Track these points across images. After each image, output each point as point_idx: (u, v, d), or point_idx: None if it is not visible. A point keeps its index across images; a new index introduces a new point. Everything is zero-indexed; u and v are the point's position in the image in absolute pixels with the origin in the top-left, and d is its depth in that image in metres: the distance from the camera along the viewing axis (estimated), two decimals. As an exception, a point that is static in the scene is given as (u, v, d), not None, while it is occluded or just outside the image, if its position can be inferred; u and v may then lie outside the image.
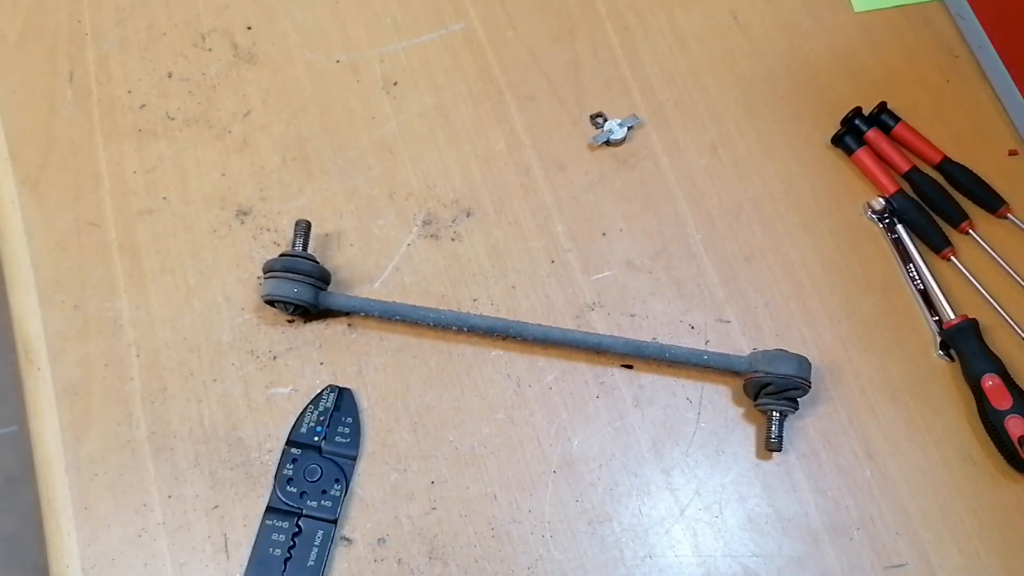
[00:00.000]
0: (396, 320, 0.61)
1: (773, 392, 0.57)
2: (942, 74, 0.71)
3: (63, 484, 0.58)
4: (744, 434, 0.60)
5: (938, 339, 0.63)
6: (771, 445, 0.58)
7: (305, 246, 0.61)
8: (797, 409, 0.58)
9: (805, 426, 0.61)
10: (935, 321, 0.63)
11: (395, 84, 0.70)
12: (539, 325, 0.60)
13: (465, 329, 0.60)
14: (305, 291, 0.58)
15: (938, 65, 0.71)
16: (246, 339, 0.62)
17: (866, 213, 0.67)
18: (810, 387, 0.58)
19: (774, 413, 0.58)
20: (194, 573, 0.56)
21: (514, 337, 0.60)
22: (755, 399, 0.59)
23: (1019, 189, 0.67)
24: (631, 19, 0.72)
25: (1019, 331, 0.63)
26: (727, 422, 0.61)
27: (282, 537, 0.56)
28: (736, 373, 0.60)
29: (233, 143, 0.68)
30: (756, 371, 0.57)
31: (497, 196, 0.66)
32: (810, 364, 0.58)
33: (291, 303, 0.59)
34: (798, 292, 0.64)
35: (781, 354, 0.58)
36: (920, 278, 0.64)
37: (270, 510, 0.57)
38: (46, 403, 0.60)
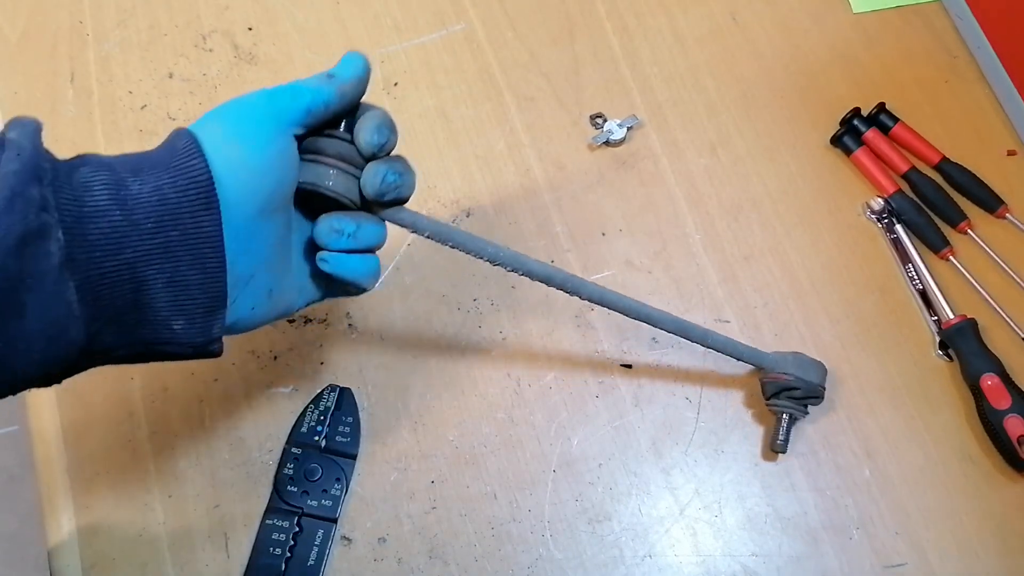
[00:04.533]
0: (449, 246, 0.49)
1: (797, 397, 0.57)
2: (941, 75, 0.71)
3: (64, 483, 0.58)
4: (743, 434, 0.61)
5: (937, 339, 0.63)
6: (778, 447, 0.58)
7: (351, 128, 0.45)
8: (807, 415, 0.59)
9: (804, 426, 0.61)
10: (934, 321, 0.63)
11: (395, 85, 0.70)
12: (595, 284, 0.52)
13: (520, 272, 0.50)
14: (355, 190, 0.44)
15: (937, 66, 0.71)
16: (247, 338, 0.62)
17: (865, 213, 0.67)
18: (824, 396, 0.58)
19: (785, 416, 0.58)
20: (195, 572, 0.57)
21: (569, 293, 0.51)
22: (769, 398, 0.59)
23: (1018, 189, 0.67)
24: (631, 20, 0.72)
25: (1018, 331, 0.63)
26: (726, 422, 0.61)
27: (282, 536, 0.56)
28: (760, 369, 0.59)
29: (234, 143, 0.68)
30: (785, 373, 0.57)
31: (497, 196, 0.67)
32: (827, 372, 0.59)
33: (344, 200, 0.43)
34: (797, 292, 0.64)
35: (810, 360, 0.58)
36: (919, 278, 0.65)
37: (270, 509, 0.57)
38: (47, 402, 0.60)
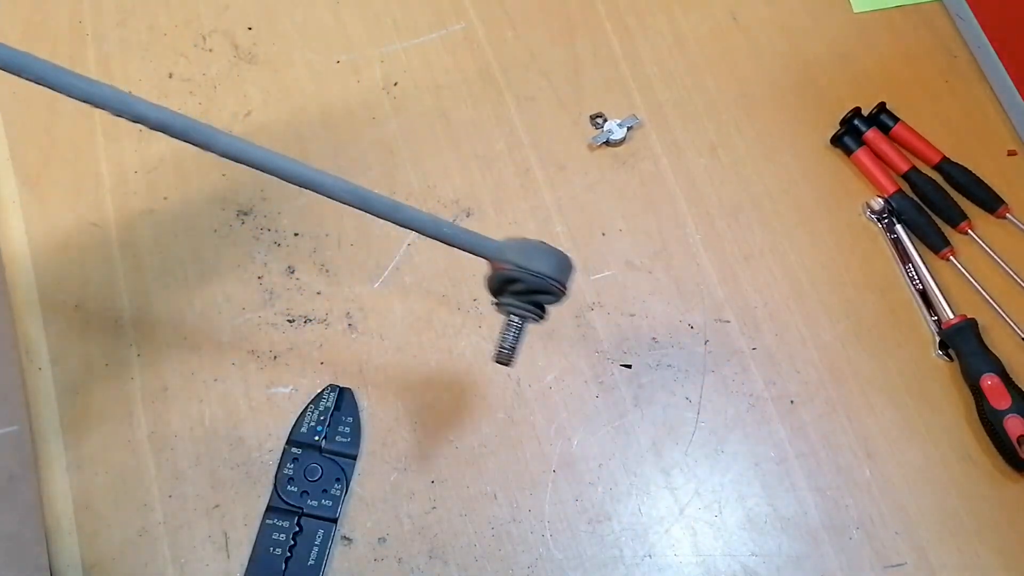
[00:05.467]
0: (28, 79, 0.37)
1: (521, 291, 0.45)
2: (941, 74, 0.71)
3: (64, 483, 0.58)
4: (743, 434, 0.61)
5: (937, 339, 0.63)
6: (500, 356, 0.46)
7: None
8: (543, 318, 0.46)
9: (804, 425, 0.61)
10: (934, 321, 0.63)
11: (395, 84, 0.70)
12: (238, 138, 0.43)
13: (151, 126, 0.41)
14: None
15: (937, 65, 0.71)
16: (247, 339, 0.62)
17: (865, 213, 0.67)
18: (564, 293, 0.46)
19: (513, 318, 0.46)
20: (195, 572, 0.57)
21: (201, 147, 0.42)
22: (496, 295, 0.47)
23: (1018, 189, 0.67)
24: (631, 19, 0.72)
25: (1018, 331, 0.63)
26: (726, 421, 0.61)
27: (282, 536, 0.56)
28: (486, 259, 0.46)
29: (234, 143, 0.68)
30: (506, 261, 0.44)
31: (497, 196, 0.67)
32: (572, 266, 0.46)
33: None
34: (797, 292, 0.64)
35: (540, 247, 0.45)
36: (919, 278, 0.64)
37: (270, 509, 0.57)
38: (47, 402, 0.60)
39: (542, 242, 0.45)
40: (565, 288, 0.45)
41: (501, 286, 0.46)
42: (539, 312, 0.46)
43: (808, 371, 0.62)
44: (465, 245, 0.44)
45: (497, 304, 0.47)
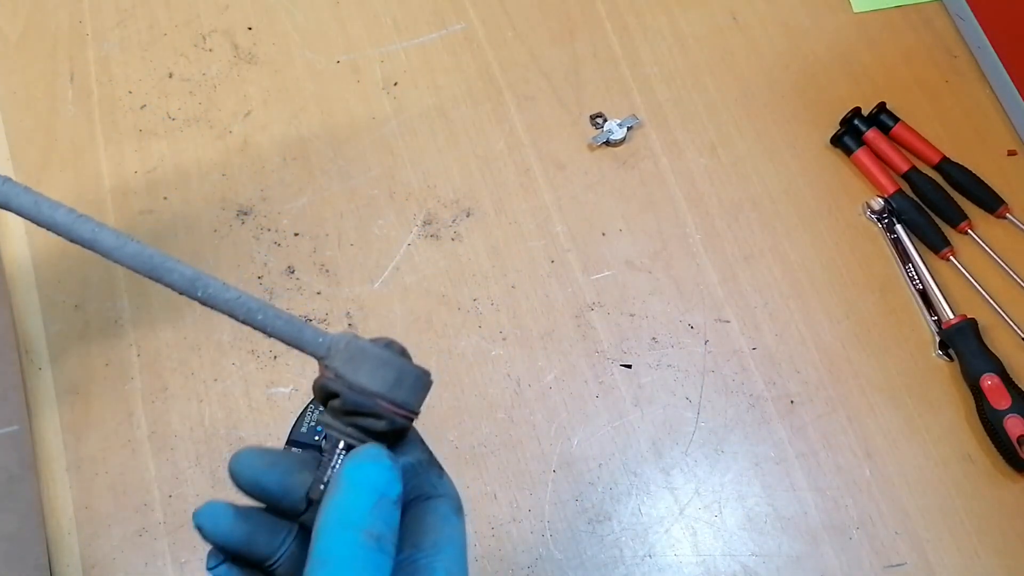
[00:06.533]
0: None
1: (340, 409, 0.31)
2: (941, 74, 0.71)
3: (64, 483, 0.58)
4: (743, 434, 0.61)
5: (937, 339, 0.63)
6: (313, 491, 0.32)
7: None
8: (390, 446, 0.32)
9: (804, 426, 0.61)
10: (934, 321, 0.63)
11: (395, 84, 0.70)
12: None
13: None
14: None
15: (937, 65, 0.71)
16: (247, 338, 0.62)
17: (865, 213, 0.67)
18: (406, 419, 0.33)
19: (340, 444, 0.32)
20: (195, 572, 0.57)
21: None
22: (323, 404, 0.32)
23: (1018, 189, 0.67)
24: (631, 19, 0.72)
25: (1018, 331, 0.63)
26: (726, 422, 0.61)
27: (282, 536, 0.56)
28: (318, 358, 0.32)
29: (234, 143, 0.68)
30: (329, 366, 0.31)
31: (497, 196, 0.67)
32: (423, 383, 0.33)
33: None
34: (797, 292, 0.64)
35: (376, 354, 0.32)
36: (919, 278, 0.64)
37: (270, 509, 0.57)
38: (47, 403, 0.60)
39: (388, 344, 0.32)
40: (407, 412, 0.32)
41: (324, 398, 0.32)
42: (372, 439, 0.32)
43: (808, 371, 0.62)
44: (283, 337, 0.32)
45: (319, 423, 0.34)
